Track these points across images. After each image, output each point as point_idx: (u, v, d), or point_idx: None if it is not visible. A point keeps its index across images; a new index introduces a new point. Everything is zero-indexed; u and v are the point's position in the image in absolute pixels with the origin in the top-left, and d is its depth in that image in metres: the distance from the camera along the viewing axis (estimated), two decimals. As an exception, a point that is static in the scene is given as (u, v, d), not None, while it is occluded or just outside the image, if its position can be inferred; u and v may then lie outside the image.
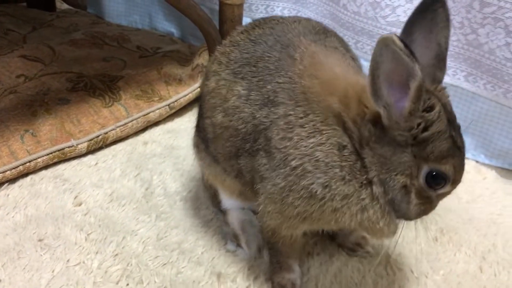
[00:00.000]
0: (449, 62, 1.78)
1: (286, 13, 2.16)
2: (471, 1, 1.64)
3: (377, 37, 2.02)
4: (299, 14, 2.12)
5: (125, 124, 1.74)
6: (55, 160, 1.58)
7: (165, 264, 1.25)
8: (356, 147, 0.96)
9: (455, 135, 0.93)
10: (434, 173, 0.93)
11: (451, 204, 1.52)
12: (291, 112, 0.99)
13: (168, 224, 1.39)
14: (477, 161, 1.80)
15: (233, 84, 1.10)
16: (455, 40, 1.72)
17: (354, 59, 1.18)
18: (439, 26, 0.95)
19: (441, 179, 0.94)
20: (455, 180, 0.96)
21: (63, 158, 1.60)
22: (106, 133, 1.69)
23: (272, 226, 1.10)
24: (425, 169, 0.93)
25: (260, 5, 2.20)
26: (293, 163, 0.98)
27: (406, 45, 0.83)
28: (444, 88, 0.98)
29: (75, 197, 1.44)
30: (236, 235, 1.32)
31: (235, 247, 1.31)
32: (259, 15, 2.21)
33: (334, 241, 1.34)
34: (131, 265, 1.24)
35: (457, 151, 0.93)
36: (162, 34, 2.49)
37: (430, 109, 0.90)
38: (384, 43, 0.84)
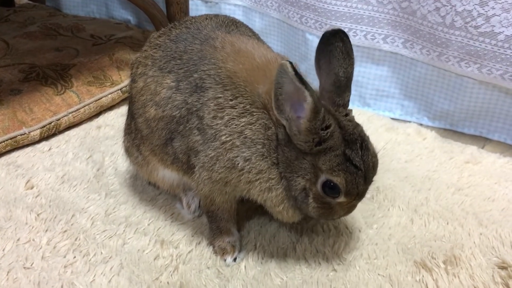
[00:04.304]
0: (388, 30, 1.85)
1: (235, -7, 2.21)
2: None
3: (320, 10, 2.06)
4: (247, -6, 2.17)
5: (78, 110, 1.79)
6: (8, 148, 1.63)
7: (111, 236, 1.31)
8: (277, 134, 1.09)
9: (352, 154, 1.04)
10: (329, 183, 1.05)
11: (390, 165, 1.60)
12: (220, 95, 1.11)
13: (117, 200, 1.45)
14: (421, 124, 1.88)
15: (161, 78, 1.20)
16: (391, 9, 1.78)
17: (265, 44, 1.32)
18: (336, 58, 1.04)
19: (335, 189, 1.06)
20: (348, 193, 1.06)
21: (16, 146, 1.64)
22: (58, 119, 1.74)
23: (206, 192, 1.20)
24: (321, 178, 1.06)
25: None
26: (223, 138, 1.10)
27: (296, 72, 0.95)
28: (349, 111, 1.09)
29: (27, 181, 1.50)
30: (180, 198, 1.42)
31: (182, 207, 1.41)
32: (209, -4, 2.26)
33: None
34: (79, 239, 1.30)
35: (351, 168, 1.04)
36: (118, 22, 2.52)
37: (326, 128, 1.02)
38: (282, 68, 0.96)
